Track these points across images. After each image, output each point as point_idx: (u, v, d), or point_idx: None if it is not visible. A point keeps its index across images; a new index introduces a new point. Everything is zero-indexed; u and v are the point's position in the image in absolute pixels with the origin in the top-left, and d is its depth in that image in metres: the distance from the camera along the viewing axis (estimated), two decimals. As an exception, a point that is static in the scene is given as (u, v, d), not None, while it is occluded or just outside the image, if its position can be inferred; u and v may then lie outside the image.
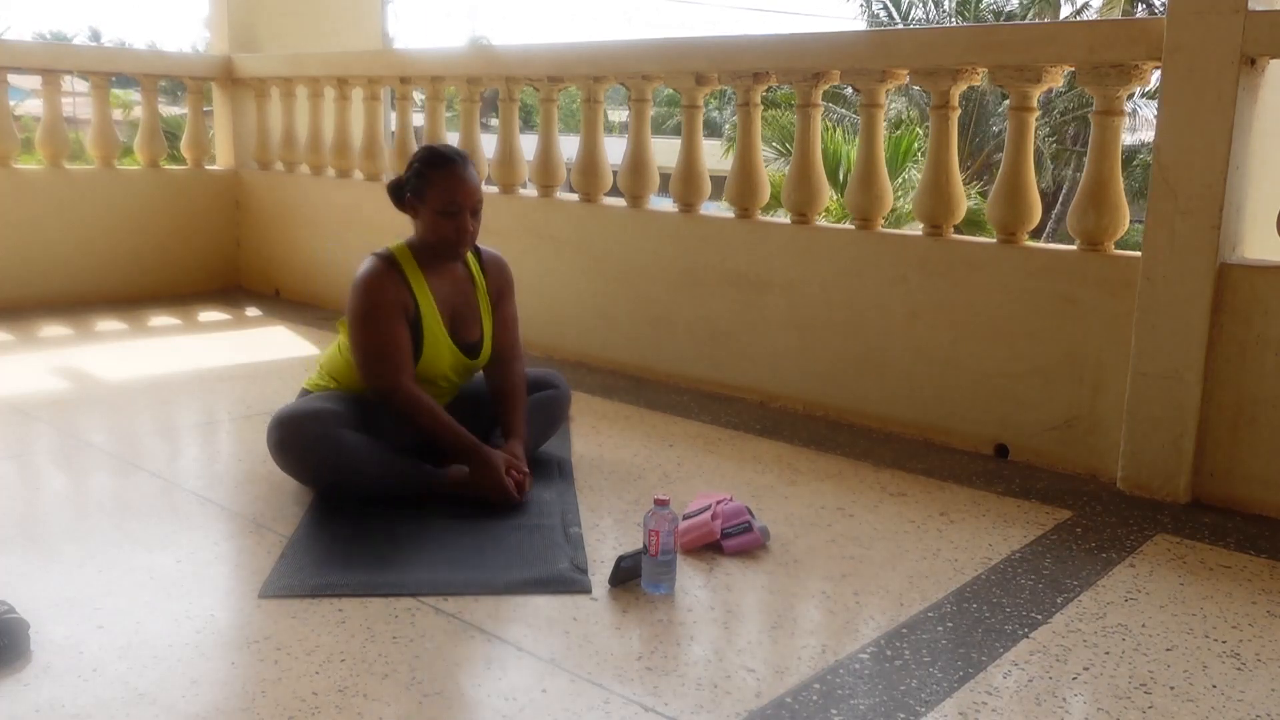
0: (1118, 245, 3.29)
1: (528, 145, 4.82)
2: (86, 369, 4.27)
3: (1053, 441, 3.29)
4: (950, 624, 2.24)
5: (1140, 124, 19.49)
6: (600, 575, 2.39)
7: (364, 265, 2.87)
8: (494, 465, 2.77)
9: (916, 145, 13.60)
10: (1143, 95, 17.35)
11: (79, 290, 5.55)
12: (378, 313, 2.81)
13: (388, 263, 2.87)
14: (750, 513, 2.62)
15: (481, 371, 3.10)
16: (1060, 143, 20.52)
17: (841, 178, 12.07)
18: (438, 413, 2.81)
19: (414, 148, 5.18)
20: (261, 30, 6.26)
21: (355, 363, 2.85)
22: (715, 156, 4.17)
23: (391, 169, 5.34)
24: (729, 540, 2.56)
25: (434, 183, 2.81)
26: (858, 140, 3.90)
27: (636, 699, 1.91)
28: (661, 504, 2.31)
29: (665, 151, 4.56)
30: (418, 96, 5.45)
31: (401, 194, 2.90)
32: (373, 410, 2.86)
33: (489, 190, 4.93)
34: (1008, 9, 21.05)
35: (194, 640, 2.07)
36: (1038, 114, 3.52)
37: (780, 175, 8.48)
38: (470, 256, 3.05)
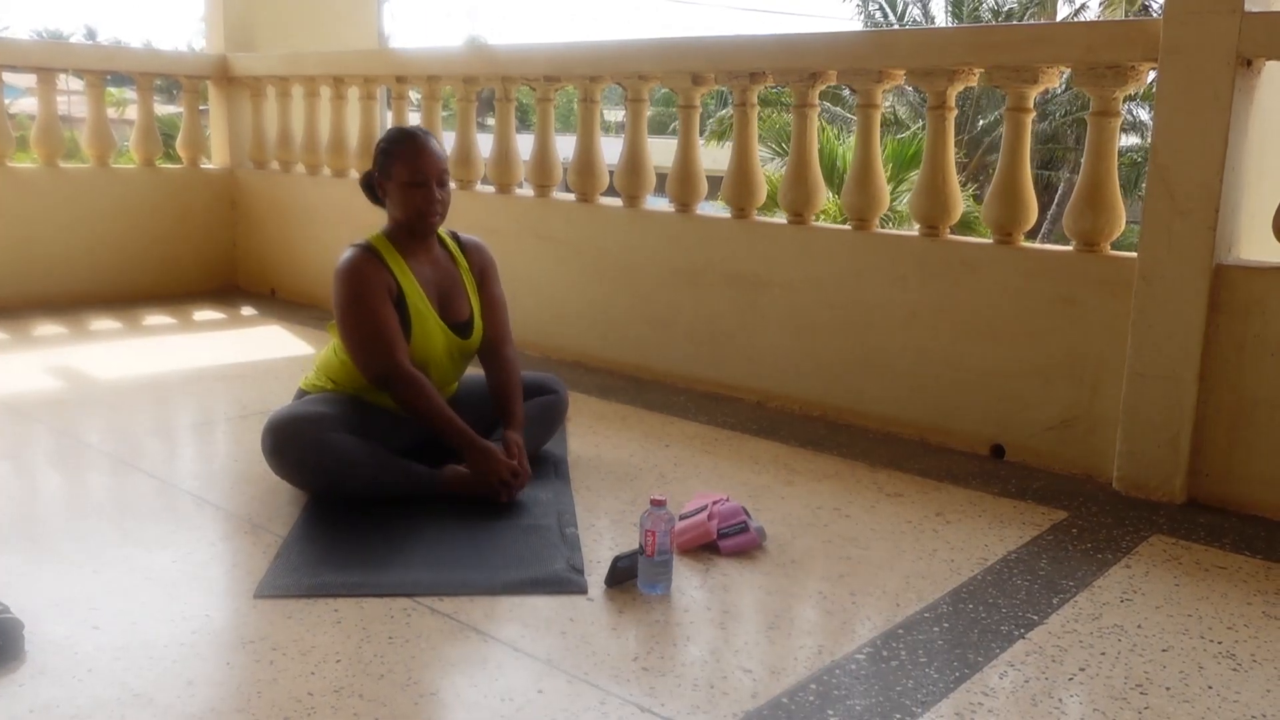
0: (1114, 246, 3.30)
1: (524, 145, 4.82)
2: (82, 368, 4.26)
3: (1049, 442, 3.29)
4: (946, 624, 2.24)
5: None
6: (597, 576, 2.39)
7: (343, 255, 2.89)
8: (490, 454, 2.77)
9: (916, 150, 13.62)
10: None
11: (74, 289, 5.54)
12: (364, 296, 2.81)
13: (367, 250, 2.88)
14: (747, 513, 2.62)
15: (482, 369, 3.09)
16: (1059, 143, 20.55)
17: (836, 178, 12.08)
18: (437, 397, 2.82)
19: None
20: (258, 29, 6.25)
21: (349, 352, 2.85)
22: (706, 152, 4.19)
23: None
24: (725, 540, 2.56)
25: (397, 157, 2.86)
26: (854, 140, 3.90)
27: (633, 699, 1.91)
28: (658, 504, 2.31)
29: (662, 151, 4.56)
30: (414, 96, 5.45)
31: (371, 180, 2.95)
32: (368, 412, 2.86)
33: (485, 190, 4.93)
34: (1006, 9, 21.07)
35: (190, 640, 2.07)
36: (1034, 114, 3.52)
37: (777, 176, 8.49)
38: (450, 240, 3.07)
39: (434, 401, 2.80)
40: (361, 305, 2.81)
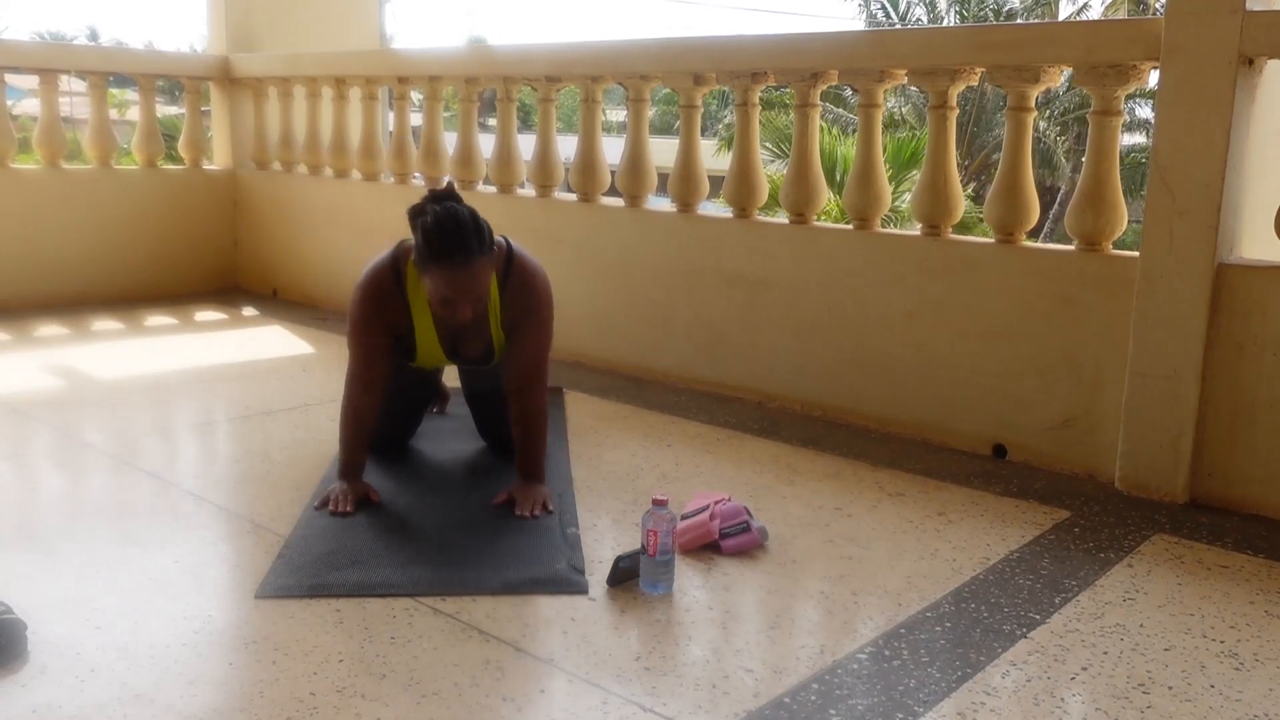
0: (1116, 245, 3.30)
1: (526, 145, 4.82)
2: (83, 369, 4.27)
3: (1051, 442, 3.29)
4: (948, 624, 2.24)
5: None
6: (598, 575, 2.39)
7: (371, 265, 2.81)
8: (339, 487, 2.76)
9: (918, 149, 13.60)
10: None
11: (76, 290, 5.54)
12: (360, 325, 2.80)
13: (392, 273, 2.76)
14: (748, 513, 2.62)
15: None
16: (1069, 139, 20.50)
17: (839, 178, 12.09)
18: (352, 433, 2.80)
19: (412, 149, 5.21)
20: (259, 30, 6.25)
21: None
22: (708, 154, 4.22)
23: (389, 169, 5.33)
24: (727, 540, 2.56)
25: (434, 273, 2.57)
26: (856, 140, 3.90)
27: (635, 699, 1.91)
28: (659, 504, 2.31)
29: (664, 151, 4.56)
30: (415, 96, 5.45)
31: (414, 235, 2.65)
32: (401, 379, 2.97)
33: (487, 190, 4.93)
34: (1007, 8, 21.06)
35: (191, 641, 2.07)
36: (1035, 114, 3.52)
37: (778, 176, 8.49)
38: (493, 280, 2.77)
39: (348, 431, 2.80)
40: (356, 332, 2.82)
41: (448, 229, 2.54)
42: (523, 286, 2.82)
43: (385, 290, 2.77)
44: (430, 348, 2.88)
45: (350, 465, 2.79)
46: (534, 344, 2.84)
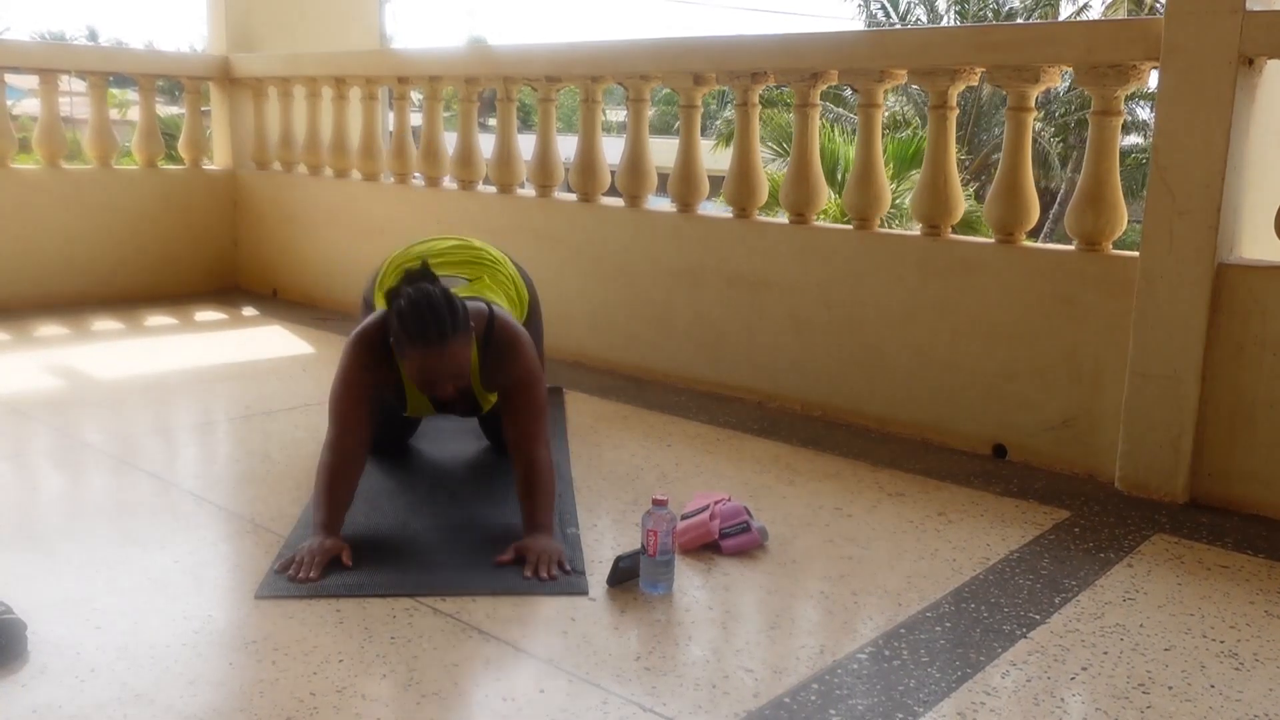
0: (1116, 245, 3.30)
1: (526, 145, 4.82)
2: (83, 369, 4.27)
3: (1051, 442, 3.29)
4: (948, 624, 2.24)
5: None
6: (598, 575, 2.39)
7: (362, 324, 2.70)
8: (320, 548, 2.44)
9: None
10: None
11: (76, 290, 5.54)
12: (348, 391, 2.62)
13: (381, 335, 2.63)
14: (748, 513, 2.62)
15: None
16: (1064, 142, 20.52)
17: (840, 177, 12.10)
18: (330, 492, 2.52)
19: (412, 149, 5.21)
20: (259, 30, 6.25)
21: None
22: (707, 153, 4.25)
23: (389, 169, 5.33)
24: (727, 540, 2.56)
25: (410, 357, 2.48)
26: (856, 140, 3.90)
27: (635, 699, 1.91)
28: (659, 504, 2.31)
29: (664, 151, 4.56)
30: (415, 96, 5.45)
31: (390, 320, 2.54)
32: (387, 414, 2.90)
33: (487, 190, 4.93)
34: (1007, 8, 21.08)
35: (191, 641, 2.07)
36: (1036, 114, 3.52)
37: (779, 175, 8.49)
38: (474, 352, 2.67)
39: (327, 490, 2.53)
40: (344, 389, 2.63)
41: (421, 312, 2.46)
42: (503, 352, 2.70)
43: (376, 349, 2.64)
44: (420, 403, 2.83)
45: (327, 521, 2.47)
46: (526, 412, 2.67)
